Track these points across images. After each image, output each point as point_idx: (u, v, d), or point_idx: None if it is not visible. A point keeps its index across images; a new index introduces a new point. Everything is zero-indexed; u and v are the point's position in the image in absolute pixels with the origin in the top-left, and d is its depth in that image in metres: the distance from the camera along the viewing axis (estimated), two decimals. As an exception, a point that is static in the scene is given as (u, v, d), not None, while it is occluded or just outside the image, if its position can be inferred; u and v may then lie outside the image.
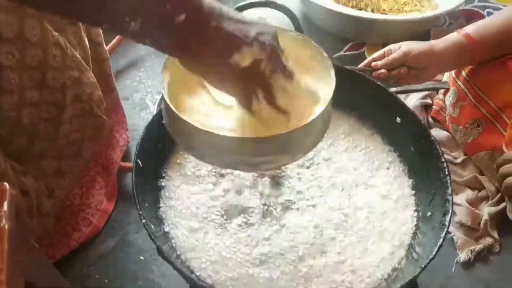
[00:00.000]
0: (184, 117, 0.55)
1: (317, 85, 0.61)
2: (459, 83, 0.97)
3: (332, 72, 0.60)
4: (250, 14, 0.85)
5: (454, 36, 0.92)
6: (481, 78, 0.93)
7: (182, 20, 0.48)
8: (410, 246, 0.72)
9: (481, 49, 0.90)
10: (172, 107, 0.56)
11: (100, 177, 0.90)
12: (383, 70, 0.92)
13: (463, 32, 0.92)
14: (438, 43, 0.92)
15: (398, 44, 0.95)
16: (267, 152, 0.56)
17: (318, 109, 0.57)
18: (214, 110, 0.60)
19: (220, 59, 0.52)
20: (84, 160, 0.87)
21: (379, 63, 0.93)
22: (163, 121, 0.61)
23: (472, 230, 0.89)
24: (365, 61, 0.96)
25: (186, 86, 0.61)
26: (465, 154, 0.98)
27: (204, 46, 0.51)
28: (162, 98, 0.59)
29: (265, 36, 0.53)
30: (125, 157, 0.98)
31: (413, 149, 0.80)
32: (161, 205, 0.74)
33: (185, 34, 0.50)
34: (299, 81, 0.57)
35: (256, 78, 0.53)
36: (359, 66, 0.97)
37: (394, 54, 0.93)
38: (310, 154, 0.78)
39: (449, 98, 0.99)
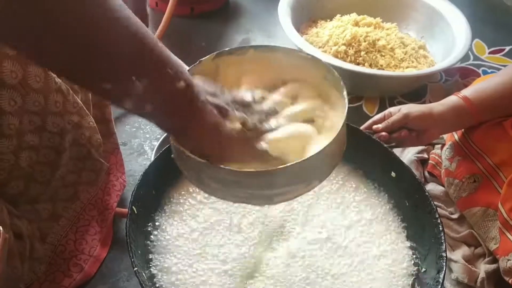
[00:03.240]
0: (191, 154, 0.54)
1: (330, 109, 0.63)
2: (456, 137, 0.98)
3: (345, 92, 0.60)
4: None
5: (453, 99, 0.93)
6: (477, 134, 0.94)
7: (182, 87, 0.50)
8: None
9: (480, 112, 0.91)
10: (179, 145, 0.55)
11: (95, 222, 0.90)
12: (384, 133, 0.92)
13: (461, 94, 0.93)
14: (438, 106, 0.93)
15: (398, 107, 0.95)
16: (280, 184, 0.55)
17: (328, 138, 0.56)
18: None
19: (217, 127, 0.54)
20: (80, 203, 0.87)
21: (380, 126, 0.94)
22: (172, 155, 0.60)
23: (469, 288, 0.88)
24: (366, 124, 0.96)
25: None
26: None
27: (200, 115, 0.53)
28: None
29: (236, 101, 0.57)
30: (120, 202, 0.97)
31: (407, 204, 0.80)
32: (153, 253, 0.74)
33: (184, 102, 0.51)
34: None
35: (250, 136, 0.57)
36: (360, 128, 0.98)
37: (394, 116, 0.93)
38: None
39: (445, 152, 1.00)
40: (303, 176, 0.56)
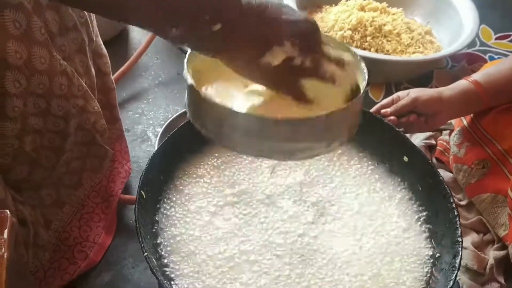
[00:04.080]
0: (215, 99, 0.55)
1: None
2: (465, 123, 0.97)
3: (363, 64, 0.61)
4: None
5: (462, 83, 0.93)
6: (487, 120, 0.93)
7: (218, 29, 0.53)
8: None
9: (490, 96, 0.90)
10: (201, 92, 0.56)
11: (99, 209, 0.88)
12: (392, 117, 0.91)
13: (471, 78, 0.92)
14: (447, 90, 0.92)
15: (406, 91, 0.94)
16: (302, 138, 0.56)
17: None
18: (241, 95, 0.61)
19: (251, 60, 0.55)
20: (84, 190, 0.85)
21: (389, 110, 0.92)
22: (188, 116, 0.60)
23: (478, 275, 0.87)
24: (374, 108, 0.95)
25: (209, 75, 0.61)
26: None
27: (236, 50, 0.55)
28: (188, 89, 0.58)
29: (300, 32, 0.56)
30: (124, 189, 0.96)
31: (420, 189, 0.79)
32: (161, 238, 0.72)
33: (220, 39, 0.54)
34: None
35: (291, 73, 0.56)
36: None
37: (403, 100, 0.92)
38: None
39: (454, 138, 0.99)
40: (325, 131, 0.56)
